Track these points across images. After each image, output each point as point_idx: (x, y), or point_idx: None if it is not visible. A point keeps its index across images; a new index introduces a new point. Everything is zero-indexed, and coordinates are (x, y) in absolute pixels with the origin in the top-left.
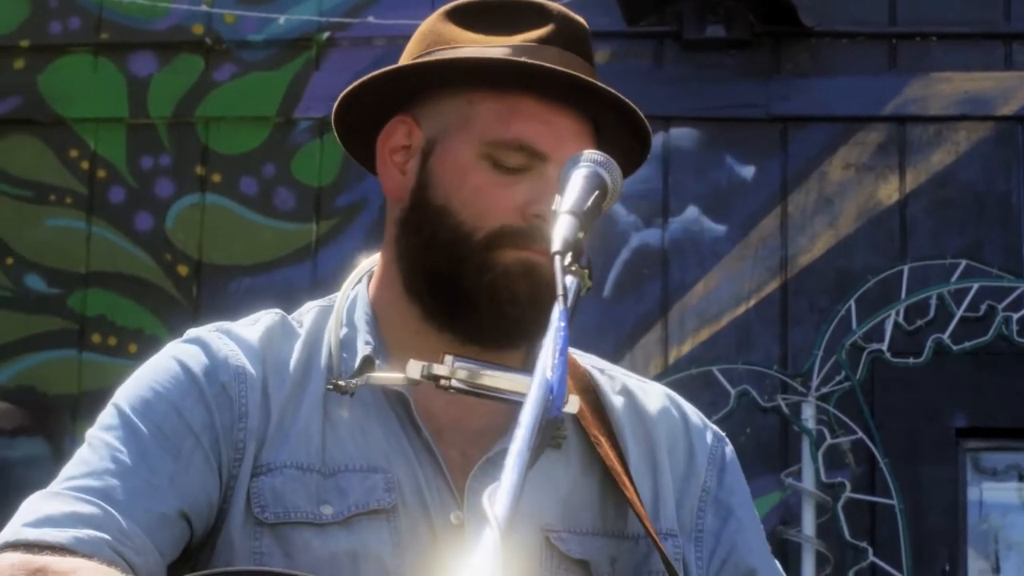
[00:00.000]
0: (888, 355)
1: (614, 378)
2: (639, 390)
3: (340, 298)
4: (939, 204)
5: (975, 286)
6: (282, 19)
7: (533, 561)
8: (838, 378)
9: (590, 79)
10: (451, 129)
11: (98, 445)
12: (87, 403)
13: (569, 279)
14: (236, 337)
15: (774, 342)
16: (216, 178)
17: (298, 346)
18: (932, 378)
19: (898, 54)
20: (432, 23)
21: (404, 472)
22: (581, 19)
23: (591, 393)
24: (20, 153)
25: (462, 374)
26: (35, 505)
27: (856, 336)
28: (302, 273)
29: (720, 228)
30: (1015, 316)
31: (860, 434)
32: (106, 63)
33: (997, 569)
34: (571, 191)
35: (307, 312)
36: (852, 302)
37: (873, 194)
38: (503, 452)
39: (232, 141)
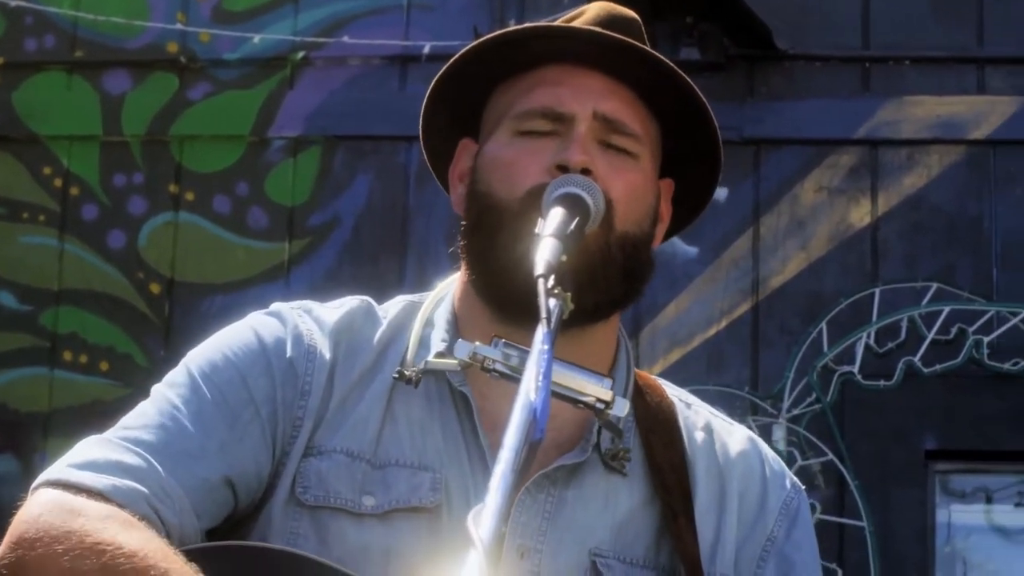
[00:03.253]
0: (859, 377)
1: (699, 414)
2: (723, 430)
3: (431, 296)
4: (910, 227)
5: (946, 309)
6: (257, 38)
7: None
8: (809, 400)
9: (595, 29)
10: (491, 127)
11: (159, 400)
12: (58, 420)
13: (552, 302)
14: (316, 317)
15: (745, 364)
16: (189, 196)
17: (378, 334)
18: (902, 400)
19: (871, 77)
20: None
21: (455, 476)
22: (624, 9)
23: (672, 425)
24: None
25: (508, 359)
26: (84, 448)
27: (827, 358)
28: (275, 292)
29: (692, 250)
30: (985, 339)
31: (830, 456)
32: (80, 81)
33: None
34: (553, 215)
35: (395, 304)
36: (823, 324)
37: (845, 217)
38: (562, 468)
39: (206, 159)
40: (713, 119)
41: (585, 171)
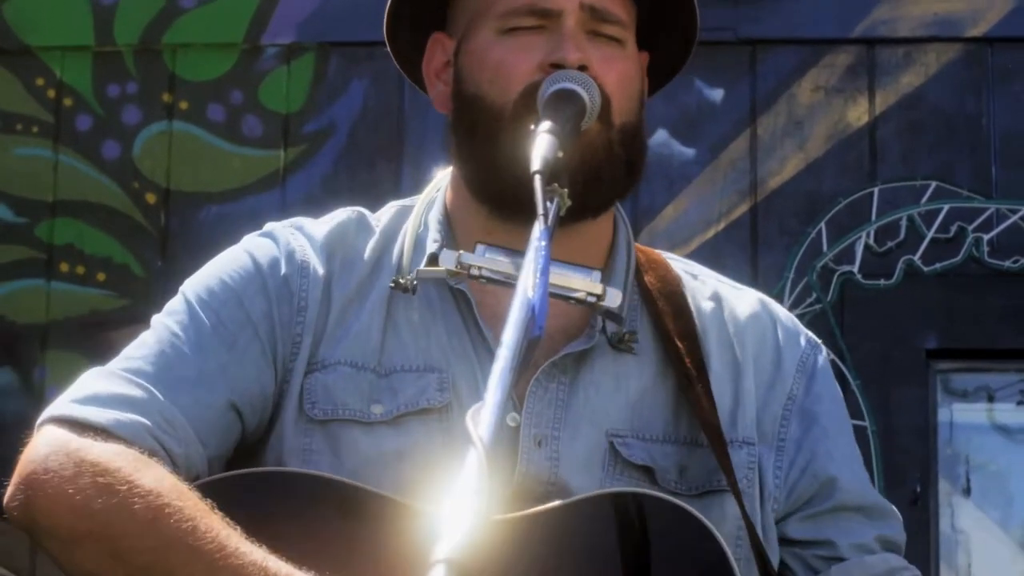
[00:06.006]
0: (859, 277)
1: (706, 283)
2: (732, 296)
3: (421, 199)
4: (908, 126)
5: (945, 207)
6: None
7: (595, 466)
8: (809, 300)
9: None
10: (472, 23)
11: (158, 329)
12: (55, 332)
13: (549, 198)
14: (307, 233)
15: (744, 265)
16: (183, 105)
17: (372, 243)
18: (903, 300)
19: None
20: None
21: (463, 372)
22: None
23: (679, 297)
24: None
25: (494, 263)
26: (87, 382)
27: (827, 258)
28: (271, 200)
29: (689, 151)
30: (985, 237)
31: (831, 355)
32: None
33: (968, 491)
34: (549, 110)
35: (387, 210)
36: (822, 224)
37: (842, 116)
38: (570, 356)
39: (199, 68)
40: None
41: (582, 68)
